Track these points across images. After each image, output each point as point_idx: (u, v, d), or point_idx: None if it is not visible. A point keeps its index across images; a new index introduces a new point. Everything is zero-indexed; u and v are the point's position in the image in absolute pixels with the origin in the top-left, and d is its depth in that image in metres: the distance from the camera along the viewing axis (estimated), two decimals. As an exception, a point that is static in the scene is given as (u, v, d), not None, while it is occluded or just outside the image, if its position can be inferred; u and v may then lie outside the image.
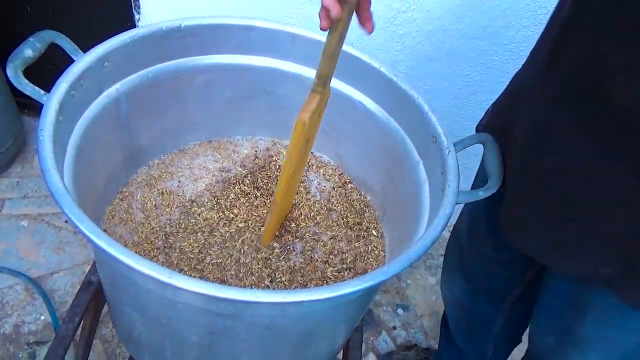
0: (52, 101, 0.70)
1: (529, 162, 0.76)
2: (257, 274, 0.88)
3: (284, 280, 0.88)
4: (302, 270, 0.91)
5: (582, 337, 0.86)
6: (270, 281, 0.88)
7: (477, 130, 0.93)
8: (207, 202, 0.98)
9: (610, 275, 0.74)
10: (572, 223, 0.73)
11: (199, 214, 0.96)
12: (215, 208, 0.97)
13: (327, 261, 0.93)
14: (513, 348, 1.26)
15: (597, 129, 0.64)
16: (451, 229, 1.17)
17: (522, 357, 1.16)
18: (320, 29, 0.66)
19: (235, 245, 0.92)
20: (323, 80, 0.74)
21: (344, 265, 0.93)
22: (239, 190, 1.00)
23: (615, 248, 0.72)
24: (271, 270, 0.89)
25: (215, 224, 0.95)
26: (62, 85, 0.73)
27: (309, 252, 0.93)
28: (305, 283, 0.89)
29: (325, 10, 0.63)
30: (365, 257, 0.95)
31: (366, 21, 0.68)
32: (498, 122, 0.86)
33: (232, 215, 0.96)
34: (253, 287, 0.87)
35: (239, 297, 0.56)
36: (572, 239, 0.75)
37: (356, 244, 0.97)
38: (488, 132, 0.87)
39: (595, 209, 0.71)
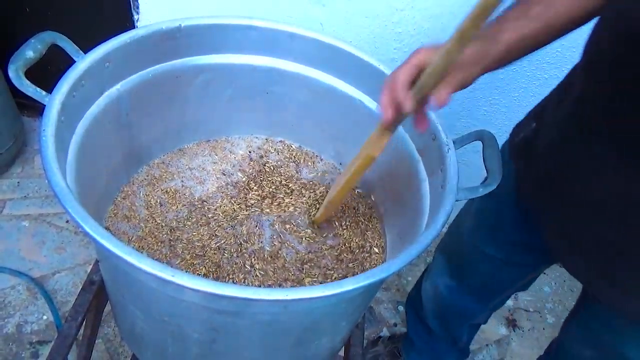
0: (54, 102, 0.70)
1: (573, 190, 0.74)
2: (241, 257, 0.91)
3: (257, 268, 0.90)
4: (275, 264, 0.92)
5: (625, 356, 0.83)
6: (250, 265, 0.90)
7: (511, 145, 0.93)
8: (220, 201, 0.99)
9: None
10: (621, 255, 0.72)
11: (215, 209, 0.97)
12: (231, 202, 0.99)
13: (302, 269, 0.93)
14: (478, 329, 1.34)
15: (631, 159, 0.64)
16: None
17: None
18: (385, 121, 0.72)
19: (244, 225, 0.95)
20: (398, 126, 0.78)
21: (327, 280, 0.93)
22: (250, 197, 1.01)
23: None
24: (249, 248, 0.91)
25: (235, 212, 0.97)
26: (64, 85, 0.73)
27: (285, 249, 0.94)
28: (279, 282, 0.90)
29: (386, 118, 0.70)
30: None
31: (421, 123, 0.72)
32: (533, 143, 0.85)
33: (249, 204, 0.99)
34: (237, 272, 0.89)
35: (241, 294, 0.57)
36: (621, 272, 0.74)
37: (350, 265, 0.96)
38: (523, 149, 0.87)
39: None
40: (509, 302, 1.75)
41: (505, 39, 0.65)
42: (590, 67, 0.69)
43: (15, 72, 0.71)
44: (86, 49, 0.80)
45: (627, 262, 0.72)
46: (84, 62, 0.77)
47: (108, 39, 0.82)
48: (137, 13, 1.51)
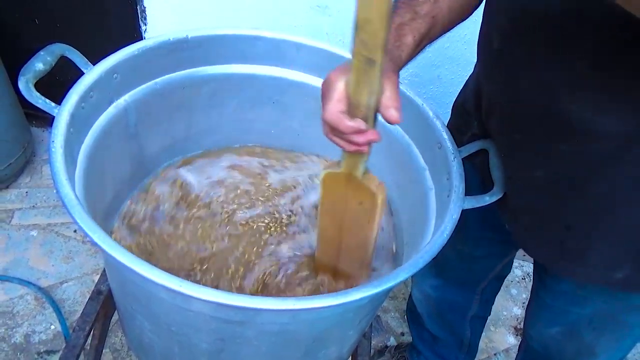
0: (63, 113, 0.71)
1: (521, 173, 0.78)
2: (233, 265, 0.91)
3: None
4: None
5: (591, 321, 0.89)
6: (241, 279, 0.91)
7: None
8: (228, 210, 0.99)
9: (623, 278, 0.75)
10: (572, 230, 0.75)
11: (223, 219, 0.97)
12: (239, 211, 0.99)
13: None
14: (485, 323, 1.34)
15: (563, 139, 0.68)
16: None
17: (517, 355, 1.22)
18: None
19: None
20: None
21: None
22: (260, 205, 1.01)
23: (625, 251, 0.73)
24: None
25: (242, 222, 0.97)
26: (73, 97, 0.74)
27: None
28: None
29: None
30: None
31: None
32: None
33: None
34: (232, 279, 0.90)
35: (249, 304, 0.57)
36: (578, 246, 0.76)
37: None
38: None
39: (593, 214, 0.72)
40: (517, 311, 1.74)
41: (409, 42, 0.68)
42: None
43: (25, 84, 0.72)
44: (95, 60, 0.81)
45: (573, 234, 0.76)
46: (92, 74, 0.78)
47: (116, 51, 0.83)
48: (145, 24, 1.52)
